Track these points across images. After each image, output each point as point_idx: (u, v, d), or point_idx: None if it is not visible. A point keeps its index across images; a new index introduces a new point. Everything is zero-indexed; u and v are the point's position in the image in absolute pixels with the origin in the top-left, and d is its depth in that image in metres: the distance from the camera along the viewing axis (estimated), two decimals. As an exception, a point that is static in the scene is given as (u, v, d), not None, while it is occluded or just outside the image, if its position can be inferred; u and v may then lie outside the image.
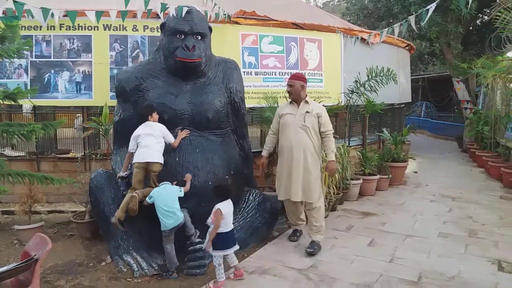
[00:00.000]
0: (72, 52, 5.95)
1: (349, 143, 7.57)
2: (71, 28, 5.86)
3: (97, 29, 5.92)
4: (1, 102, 4.49)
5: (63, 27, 5.87)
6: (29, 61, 5.90)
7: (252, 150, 5.29)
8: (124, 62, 6.00)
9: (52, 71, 5.93)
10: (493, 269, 4.11)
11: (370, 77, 6.81)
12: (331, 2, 37.70)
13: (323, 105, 4.91)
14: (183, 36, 4.37)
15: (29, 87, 5.68)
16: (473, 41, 12.84)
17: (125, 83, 4.52)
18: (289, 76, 4.83)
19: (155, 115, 4.15)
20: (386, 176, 7.41)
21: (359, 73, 6.91)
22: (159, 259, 4.09)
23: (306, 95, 4.60)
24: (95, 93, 5.99)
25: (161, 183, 3.93)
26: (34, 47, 5.79)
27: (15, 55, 4.37)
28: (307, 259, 4.28)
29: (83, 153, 6.36)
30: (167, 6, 4.69)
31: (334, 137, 4.66)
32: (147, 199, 3.85)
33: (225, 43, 6.17)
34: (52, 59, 5.94)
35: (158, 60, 4.63)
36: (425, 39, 14.28)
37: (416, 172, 9.23)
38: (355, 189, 6.72)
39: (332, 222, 5.52)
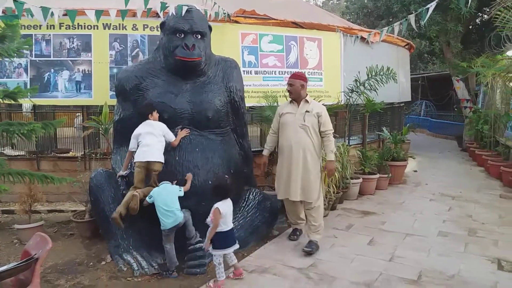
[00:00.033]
0: (72, 51, 5.95)
1: (349, 142, 7.57)
2: (71, 27, 5.85)
3: (97, 28, 5.92)
4: (1, 101, 4.48)
5: (62, 26, 5.87)
6: (28, 60, 5.90)
7: (252, 149, 5.30)
8: (124, 61, 6.00)
9: (52, 70, 5.93)
10: (492, 267, 4.12)
11: (370, 76, 6.81)
12: (331, 1, 37.71)
13: (323, 104, 4.90)
14: (183, 35, 4.37)
15: (28, 86, 5.68)
16: (473, 40, 12.83)
17: (125, 82, 4.52)
18: (288, 75, 4.83)
19: (155, 114, 4.15)
20: (386, 175, 7.41)
21: (359, 72, 6.91)
22: (159, 258, 4.09)
23: (307, 95, 4.60)
24: (95, 92, 5.99)
25: (161, 183, 3.93)
26: (33, 46, 5.79)
27: (15, 54, 4.37)
28: (307, 258, 4.29)
29: (83, 153, 6.36)
30: (166, 5, 4.69)
31: (334, 136, 4.65)
32: (147, 198, 3.85)
33: (224, 42, 6.17)
34: (51, 58, 5.93)
35: (158, 59, 4.63)
36: (425, 38, 14.28)
37: (415, 171, 9.23)
38: (355, 188, 6.72)
39: (332, 221, 5.52)
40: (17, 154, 6.55)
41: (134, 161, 4.04)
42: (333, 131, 4.60)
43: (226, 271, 3.75)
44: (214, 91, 4.56)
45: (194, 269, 3.92)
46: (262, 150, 5.00)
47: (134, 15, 5.54)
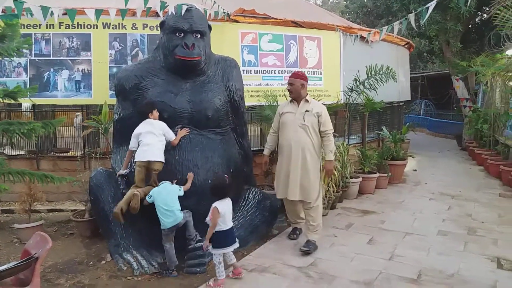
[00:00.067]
0: (72, 50, 5.95)
1: (348, 141, 7.57)
2: (70, 27, 5.85)
3: (96, 28, 5.91)
4: (1, 101, 4.48)
5: (62, 25, 5.86)
6: (28, 60, 5.89)
7: (252, 149, 5.30)
8: (124, 60, 6.00)
9: (52, 69, 5.93)
10: (492, 266, 4.12)
11: (369, 75, 6.81)
12: (330, 0, 37.70)
13: (322, 104, 4.90)
14: (182, 35, 4.37)
15: (28, 86, 5.67)
16: (473, 39, 12.83)
17: (124, 82, 4.52)
18: (288, 75, 4.83)
19: (156, 113, 4.15)
20: (386, 174, 7.41)
21: (358, 71, 6.91)
22: (159, 257, 4.10)
23: (307, 94, 4.59)
24: (94, 91, 5.99)
25: (161, 182, 3.93)
26: (33, 46, 5.78)
27: (15, 54, 4.37)
28: (307, 257, 4.29)
29: (82, 152, 6.36)
30: (166, 4, 4.69)
31: (333, 135, 4.63)
32: (146, 198, 3.86)
33: (224, 41, 6.17)
34: (51, 58, 5.93)
35: (158, 58, 4.63)
36: (425, 37, 14.28)
37: (415, 170, 9.24)
38: (355, 187, 6.73)
39: (331, 220, 5.53)
40: (16, 153, 6.55)
41: (135, 160, 4.04)
42: (333, 131, 4.58)
43: (226, 270, 3.75)
44: (213, 90, 4.56)
45: (194, 268, 3.92)
46: (262, 150, 5.00)
47: (134, 14, 5.54)
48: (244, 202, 4.71)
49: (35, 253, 2.96)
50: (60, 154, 6.56)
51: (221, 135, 4.57)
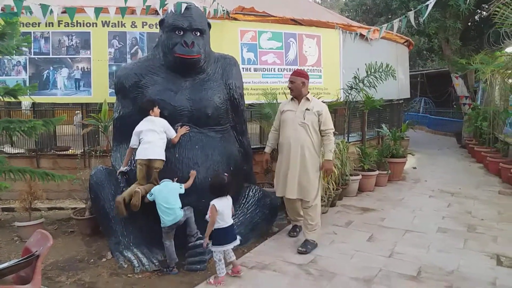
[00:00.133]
0: (71, 49, 5.95)
1: (348, 139, 7.58)
2: (70, 25, 5.83)
3: (96, 26, 5.91)
4: (1, 99, 4.47)
5: (61, 23, 5.86)
6: (27, 58, 5.89)
7: (252, 147, 5.30)
8: (123, 58, 6.00)
9: (51, 68, 5.93)
10: (491, 263, 4.14)
11: (369, 73, 6.81)
12: (330, -2, 37.59)
13: (322, 102, 4.90)
14: (182, 33, 4.37)
15: (28, 84, 5.67)
16: (472, 37, 12.83)
17: (124, 80, 4.52)
18: (288, 72, 4.82)
19: (157, 110, 4.15)
20: (385, 172, 7.42)
21: (358, 69, 6.91)
22: (159, 254, 4.11)
23: (308, 92, 4.58)
24: (94, 89, 5.99)
25: (162, 181, 3.94)
26: (32, 44, 5.77)
27: (15, 52, 4.36)
28: (307, 255, 4.30)
29: (82, 150, 6.36)
30: (166, 3, 4.68)
31: (333, 133, 4.62)
32: (147, 196, 3.87)
33: (224, 39, 6.17)
34: (50, 56, 5.93)
35: (157, 56, 4.63)
36: (424, 35, 14.26)
37: (415, 167, 9.25)
38: (354, 185, 6.73)
39: (331, 218, 5.54)
40: (16, 152, 6.55)
41: (136, 158, 4.05)
42: (333, 130, 4.55)
43: (226, 267, 3.76)
44: (213, 88, 4.56)
45: (195, 265, 3.93)
46: (262, 148, 5.00)
47: (133, 12, 5.52)
48: (244, 200, 4.71)
49: (36, 251, 2.97)
50: (60, 152, 6.56)
51: (221, 133, 4.58)
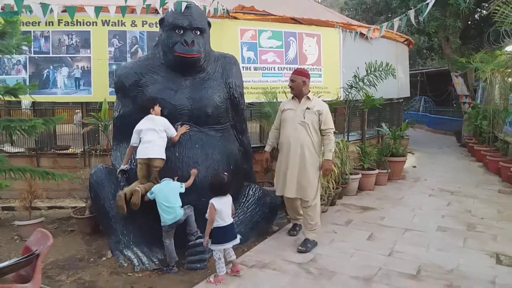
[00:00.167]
0: (71, 48, 5.95)
1: (348, 138, 7.58)
2: (70, 24, 5.84)
3: (96, 25, 5.91)
4: (2, 98, 4.48)
5: (61, 22, 5.85)
6: (27, 57, 5.88)
7: (251, 145, 5.30)
8: (123, 57, 6.00)
9: (51, 67, 5.93)
10: (491, 262, 4.14)
11: (369, 72, 6.81)
12: (329, -3, 37.55)
13: (323, 101, 4.89)
14: (182, 31, 4.37)
15: (28, 83, 5.67)
16: (472, 36, 12.83)
17: (124, 79, 4.52)
18: (288, 71, 4.82)
19: (157, 108, 4.15)
20: (385, 171, 7.42)
21: (358, 68, 6.91)
22: (159, 253, 4.12)
23: (309, 91, 4.57)
24: (94, 89, 5.99)
25: (162, 179, 3.94)
26: (32, 43, 5.77)
27: (15, 51, 4.36)
28: (307, 253, 4.30)
29: (82, 149, 6.36)
30: (166, 1, 4.69)
31: (333, 132, 4.60)
32: (148, 194, 3.88)
33: (224, 38, 6.17)
34: (50, 55, 5.93)
35: (157, 55, 4.63)
36: (424, 34, 14.27)
37: (415, 166, 9.25)
38: (354, 184, 6.74)
39: (331, 217, 5.55)
40: (16, 151, 6.55)
41: (136, 157, 4.05)
42: (334, 129, 4.52)
43: (226, 266, 3.76)
44: (213, 87, 4.56)
45: (195, 264, 3.94)
46: (262, 147, 5.00)
47: (133, 11, 5.53)
48: (244, 198, 4.72)
49: (36, 250, 2.97)
50: (60, 152, 6.56)
51: (221, 132, 4.58)
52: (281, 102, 5.08)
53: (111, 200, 4.23)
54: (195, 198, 4.06)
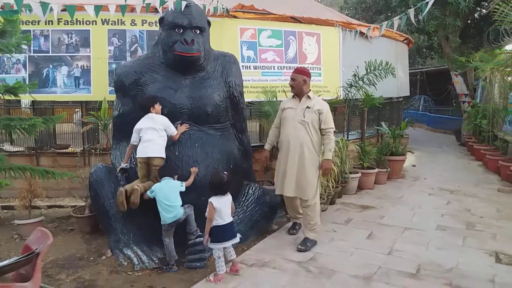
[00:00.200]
0: (71, 47, 5.94)
1: (347, 137, 7.59)
2: (69, 23, 5.83)
3: (95, 24, 5.90)
4: (1, 97, 4.47)
5: (61, 21, 5.84)
6: (27, 56, 5.88)
7: (251, 144, 5.30)
8: (123, 56, 5.99)
9: (51, 66, 5.92)
10: (490, 261, 4.15)
11: (368, 71, 6.81)
12: (329, -4, 37.52)
13: (323, 100, 4.89)
14: (181, 30, 4.37)
15: (27, 82, 5.66)
16: (471, 35, 12.83)
17: (124, 78, 4.52)
18: (288, 70, 4.81)
19: (158, 107, 4.15)
20: (385, 170, 7.43)
21: (357, 67, 6.91)
22: (159, 252, 4.12)
23: (309, 90, 4.56)
24: (93, 87, 5.99)
25: (162, 178, 3.95)
26: (32, 42, 5.77)
27: (15, 50, 4.36)
28: (307, 252, 4.31)
29: (82, 148, 6.36)
30: (165, 0, 4.69)
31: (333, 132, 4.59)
32: (148, 193, 3.88)
33: (223, 37, 6.16)
34: (50, 54, 5.92)
35: (157, 54, 4.63)
36: (424, 33, 14.27)
37: (414, 165, 9.26)
38: (354, 183, 6.74)
39: (331, 216, 5.55)
40: (16, 150, 6.55)
41: (136, 156, 4.06)
42: (334, 129, 4.50)
43: (226, 265, 3.77)
44: (213, 86, 4.56)
45: (194, 263, 3.94)
46: (261, 146, 5.00)
47: (133, 10, 5.53)
48: (244, 197, 4.72)
49: (36, 249, 2.97)
50: (60, 151, 6.56)
51: (220, 131, 4.58)
52: (280, 101, 5.07)
53: (110, 199, 4.23)
54: (195, 197, 4.06)
